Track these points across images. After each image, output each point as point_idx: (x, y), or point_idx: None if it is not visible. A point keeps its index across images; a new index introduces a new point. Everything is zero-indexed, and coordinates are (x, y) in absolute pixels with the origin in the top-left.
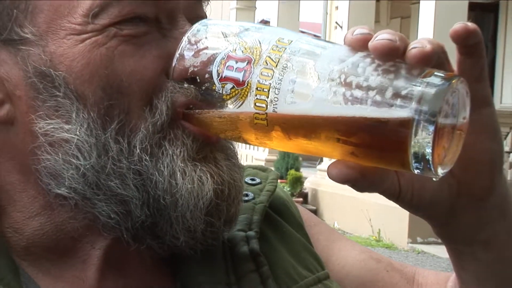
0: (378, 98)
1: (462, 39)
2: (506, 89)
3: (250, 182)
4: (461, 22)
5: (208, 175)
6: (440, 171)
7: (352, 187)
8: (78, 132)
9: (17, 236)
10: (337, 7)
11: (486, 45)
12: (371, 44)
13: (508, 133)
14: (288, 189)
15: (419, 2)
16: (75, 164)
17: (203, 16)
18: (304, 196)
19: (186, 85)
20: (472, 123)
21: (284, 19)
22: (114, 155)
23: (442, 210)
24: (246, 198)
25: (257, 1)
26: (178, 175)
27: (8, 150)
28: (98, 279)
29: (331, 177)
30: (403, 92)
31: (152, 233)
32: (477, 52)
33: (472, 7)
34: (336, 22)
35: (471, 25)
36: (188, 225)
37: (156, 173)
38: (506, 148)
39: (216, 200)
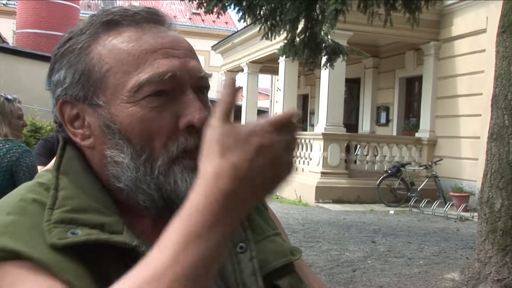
0: None
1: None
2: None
3: None
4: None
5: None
6: None
7: None
8: (126, 159)
9: None
10: (277, 80)
11: (357, 98)
12: None
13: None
14: None
15: (320, 78)
16: (125, 174)
17: (206, 85)
18: None
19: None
20: None
21: (250, 86)
22: (142, 173)
23: None
24: None
25: (236, 75)
26: (179, 182)
27: (93, 160)
28: (153, 225)
29: None
30: None
31: (168, 210)
32: None
33: (347, 80)
34: (278, 87)
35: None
36: None
37: (167, 184)
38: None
39: None
